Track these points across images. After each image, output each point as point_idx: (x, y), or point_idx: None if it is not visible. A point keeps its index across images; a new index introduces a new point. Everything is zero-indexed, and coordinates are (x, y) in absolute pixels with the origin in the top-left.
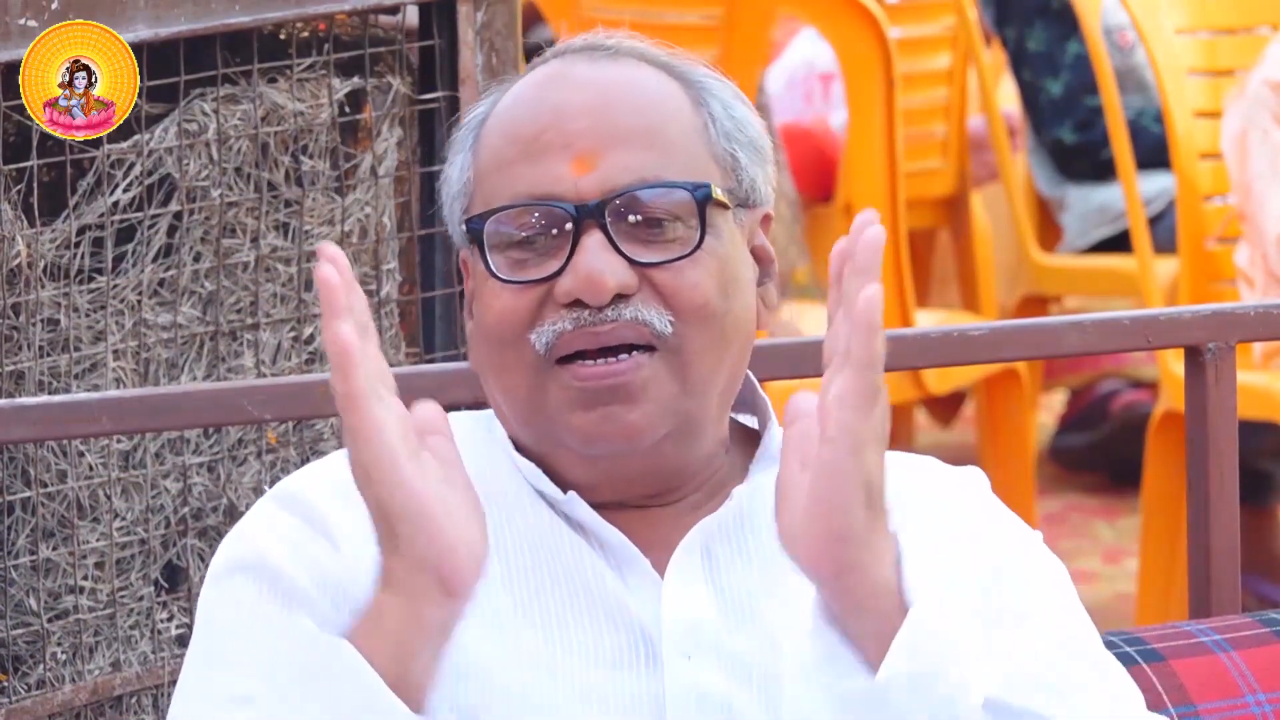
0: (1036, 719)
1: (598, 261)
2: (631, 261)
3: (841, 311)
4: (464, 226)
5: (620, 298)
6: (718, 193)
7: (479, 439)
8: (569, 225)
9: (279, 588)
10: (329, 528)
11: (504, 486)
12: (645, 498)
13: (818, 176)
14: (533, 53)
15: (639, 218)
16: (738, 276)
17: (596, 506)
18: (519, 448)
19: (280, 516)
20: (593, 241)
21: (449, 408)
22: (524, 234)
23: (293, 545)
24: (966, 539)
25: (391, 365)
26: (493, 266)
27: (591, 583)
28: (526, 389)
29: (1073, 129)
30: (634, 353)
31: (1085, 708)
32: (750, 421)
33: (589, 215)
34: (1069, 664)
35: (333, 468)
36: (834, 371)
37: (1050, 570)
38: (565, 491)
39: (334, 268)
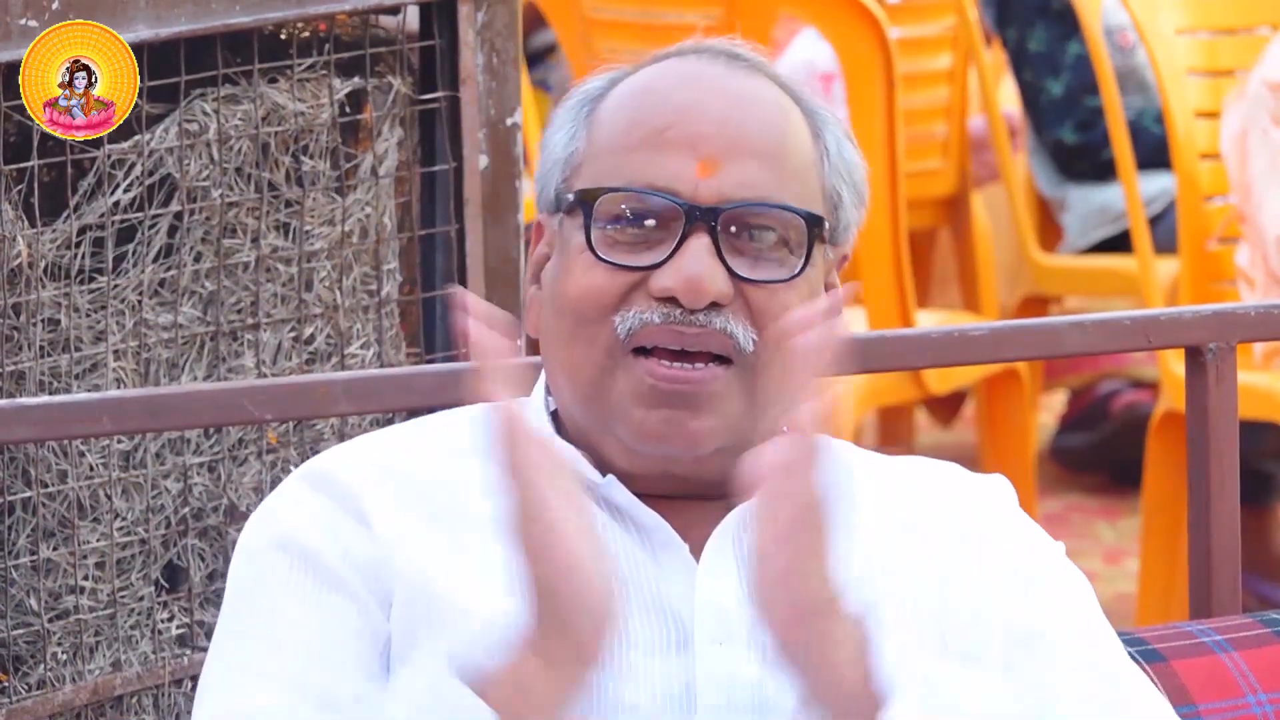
0: None
1: (702, 266)
2: (732, 273)
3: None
4: (569, 196)
5: (714, 306)
6: (825, 226)
7: None
8: (679, 223)
9: (312, 566)
10: (360, 507)
11: None
12: (682, 492)
13: None
14: (533, 54)
15: (748, 233)
16: None
17: (632, 493)
18: (557, 428)
19: (310, 496)
20: (699, 245)
21: (449, 408)
22: (631, 218)
23: (324, 525)
24: (990, 552)
25: (391, 365)
26: (594, 242)
27: (624, 566)
28: (594, 369)
29: (1073, 129)
30: (711, 364)
31: None
32: None
33: (701, 218)
34: (1091, 688)
35: (361, 448)
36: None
37: (1074, 587)
38: (604, 475)
39: (478, 322)
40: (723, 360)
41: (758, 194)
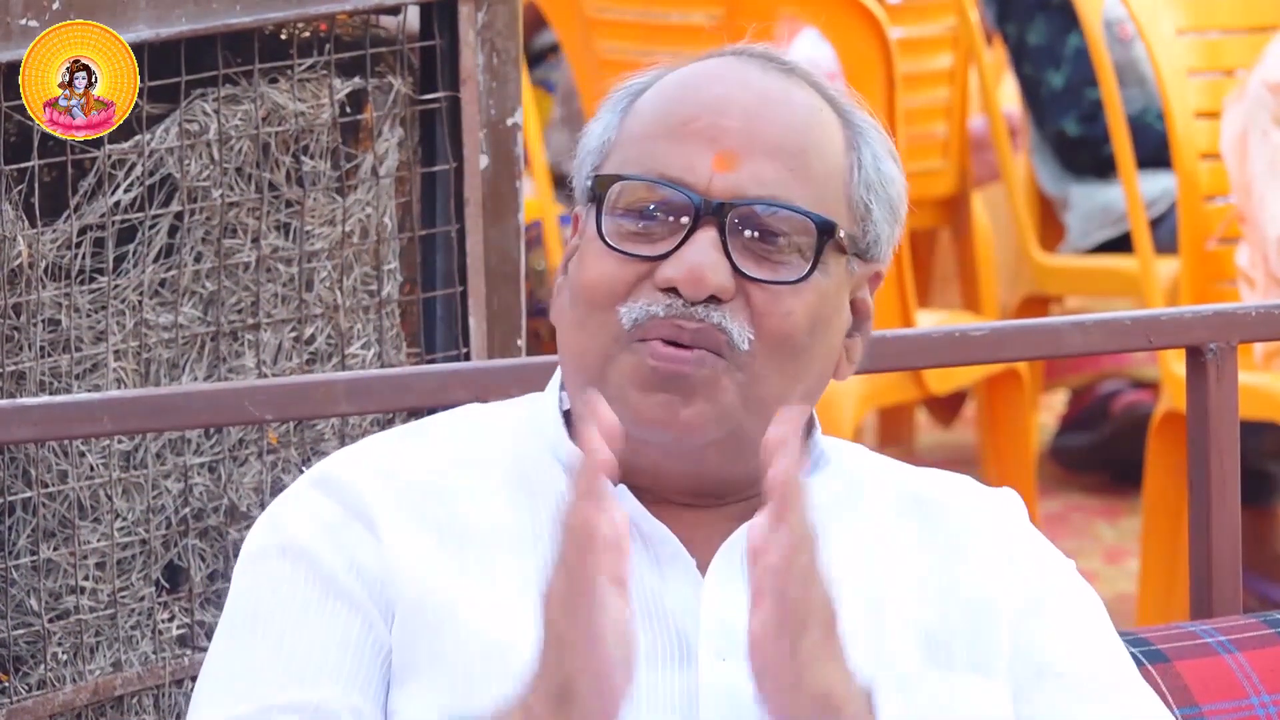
0: None
1: (704, 258)
2: (736, 270)
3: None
4: (590, 182)
5: (714, 300)
6: (840, 235)
7: (521, 429)
8: (689, 215)
9: (317, 574)
10: (368, 513)
11: (547, 475)
12: (688, 496)
13: None
14: (534, 56)
15: (757, 231)
16: (829, 320)
17: (641, 498)
18: (570, 428)
19: (318, 501)
20: (705, 238)
21: (448, 408)
22: (644, 208)
23: (330, 531)
24: (999, 570)
25: (392, 365)
26: (604, 229)
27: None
28: (599, 356)
29: (1076, 121)
30: (705, 351)
31: None
32: None
33: (711, 213)
34: (1100, 710)
35: (370, 451)
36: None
37: (1085, 609)
38: (615, 483)
39: (595, 434)
40: (715, 354)
41: (771, 193)
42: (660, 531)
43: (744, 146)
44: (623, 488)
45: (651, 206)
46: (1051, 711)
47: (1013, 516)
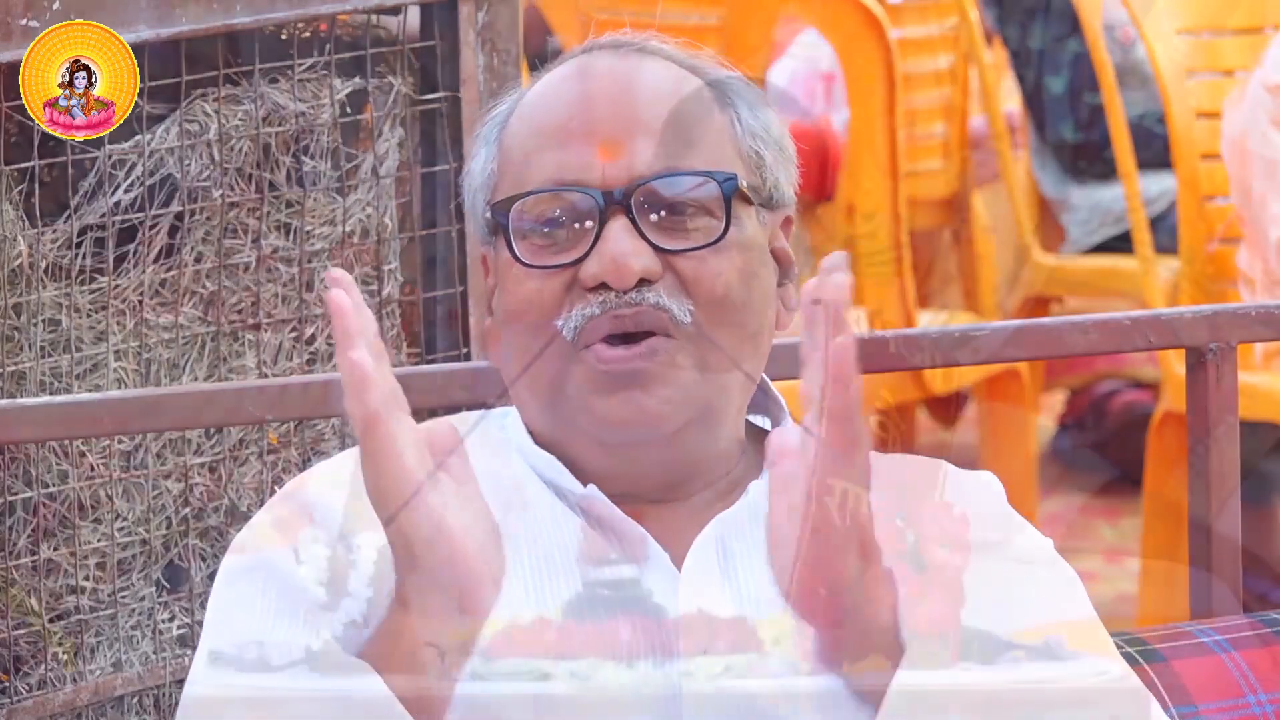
0: None
1: (623, 246)
2: (656, 248)
3: (815, 358)
4: (488, 214)
5: (644, 283)
6: (743, 185)
7: (490, 435)
8: (595, 211)
9: (287, 589)
10: (332, 524)
11: (517, 481)
12: (661, 490)
13: (819, 177)
14: (534, 58)
15: (664, 206)
16: (758, 272)
17: (613, 499)
18: (536, 441)
19: (286, 517)
20: (618, 227)
21: (449, 409)
22: (549, 219)
23: (298, 545)
24: (980, 550)
25: (393, 365)
26: (518, 252)
27: (607, 577)
28: (552, 374)
29: (1075, 127)
30: (652, 337)
31: None
32: (763, 423)
33: (615, 202)
34: (1088, 697)
35: (337, 466)
36: (812, 422)
37: (1066, 589)
38: (584, 485)
39: (343, 292)
40: (665, 335)
41: (665, 165)
42: (635, 531)
43: (625, 132)
44: (593, 488)
45: (557, 214)
46: (1034, 691)
47: (991, 502)
